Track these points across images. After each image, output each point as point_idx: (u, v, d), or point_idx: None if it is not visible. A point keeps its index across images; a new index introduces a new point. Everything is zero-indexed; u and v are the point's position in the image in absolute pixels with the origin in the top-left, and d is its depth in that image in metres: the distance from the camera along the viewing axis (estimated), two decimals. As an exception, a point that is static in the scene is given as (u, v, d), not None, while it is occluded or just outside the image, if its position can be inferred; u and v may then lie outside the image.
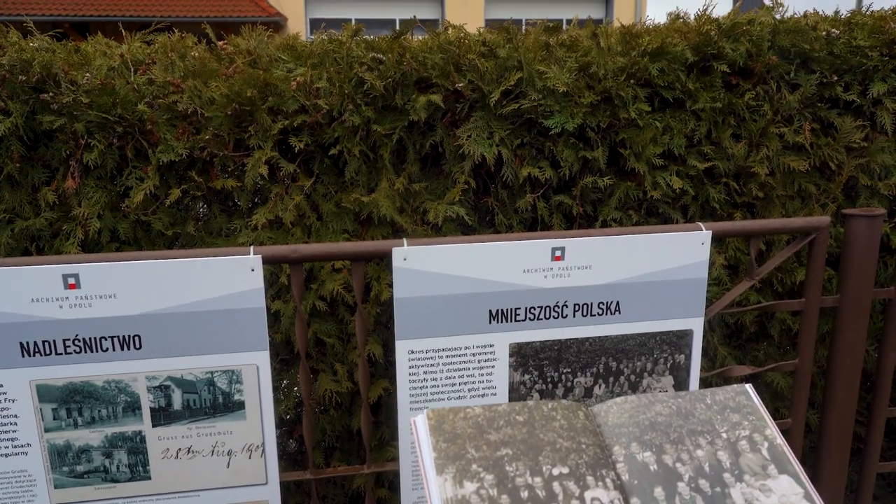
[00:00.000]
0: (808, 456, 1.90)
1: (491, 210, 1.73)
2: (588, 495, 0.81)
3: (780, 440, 0.90)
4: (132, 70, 1.55)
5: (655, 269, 1.48)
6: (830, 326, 1.69)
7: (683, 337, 1.54)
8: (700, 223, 1.48)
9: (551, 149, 1.67)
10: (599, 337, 1.50)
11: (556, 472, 0.83)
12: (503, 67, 1.62)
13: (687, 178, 1.73)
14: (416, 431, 0.87)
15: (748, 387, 0.96)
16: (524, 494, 0.80)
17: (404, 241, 1.35)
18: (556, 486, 0.81)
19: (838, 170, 1.81)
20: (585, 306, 1.48)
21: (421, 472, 0.82)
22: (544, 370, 1.49)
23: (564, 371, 1.50)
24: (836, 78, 1.76)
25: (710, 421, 0.91)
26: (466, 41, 1.64)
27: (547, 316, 1.46)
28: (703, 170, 1.73)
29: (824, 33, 1.77)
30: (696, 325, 1.53)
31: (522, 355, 1.48)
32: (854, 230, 1.57)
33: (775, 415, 1.98)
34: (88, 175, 1.51)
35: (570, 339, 1.48)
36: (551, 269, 1.44)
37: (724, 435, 0.90)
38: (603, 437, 0.89)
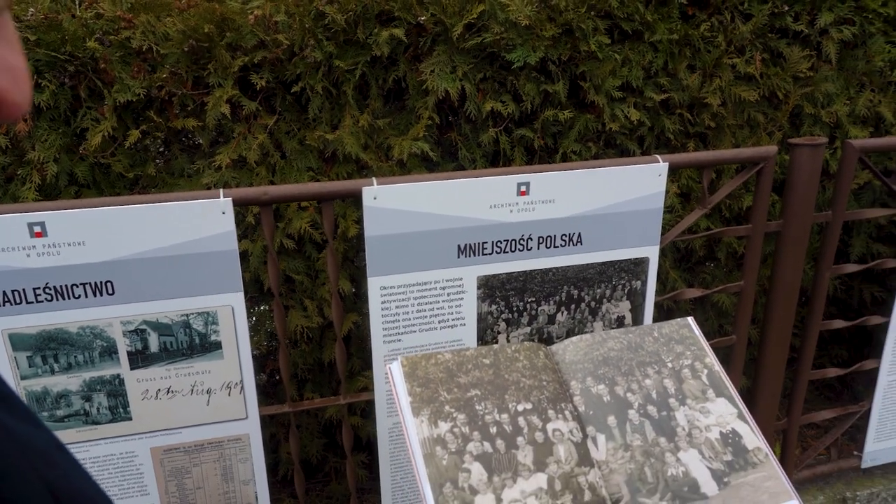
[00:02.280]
0: (748, 367, 2.06)
1: (454, 145, 1.75)
2: (550, 427, 0.90)
3: (717, 367, 1.01)
4: (77, 2, 1.48)
5: (615, 201, 1.54)
6: (773, 248, 1.80)
7: (640, 264, 1.63)
8: (657, 156, 1.53)
9: (513, 83, 1.68)
10: (562, 267, 1.57)
11: (520, 408, 0.91)
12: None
13: (644, 109, 1.78)
14: (391, 378, 0.93)
15: (690, 320, 1.06)
16: (493, 430, 0.88)
17: (373, 180, 1.37)
18: (521, 420, 0.90)
19: (785, 99, 1.89)
20: (549, 238, 1.54)
21: (399, 415, 0.88)
22: (510, 300, 1.56)
23: (529, 300, 1.57)
24: (786, 8, 1.81)
25: (657, 352, 1.01)
26: (427, -29, 1.61)
27: (513, 249, 1.52)
28: (660, 101, 1.78)
29: (777, -37, 1.80)
30: (652, 253, 1.62)
31: (489, 287, 1.54)
32: (798, 159, 1.66)
33: (720, 332, 2.12)
34: (41, 117, 1.45)
35: (535, 269, 1.55)
36: (517, 203, 1.48)
37: (669, 364, 1.00)
38: (561, 374, 0.98)
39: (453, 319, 1.54)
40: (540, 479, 0.84)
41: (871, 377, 2.04)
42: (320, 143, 1.62)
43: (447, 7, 1.58)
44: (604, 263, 1.59)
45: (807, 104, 1.90)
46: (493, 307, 1.56)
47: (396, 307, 1.48)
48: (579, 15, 1.64)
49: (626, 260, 1.61)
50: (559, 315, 1.60)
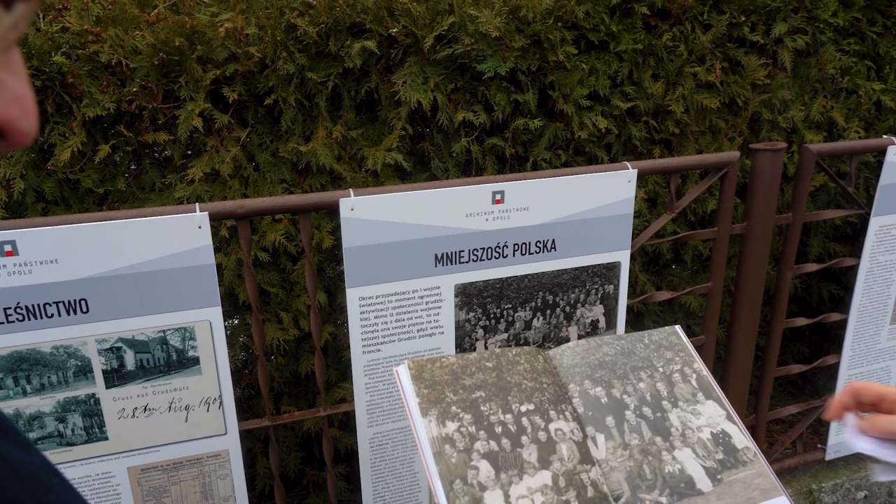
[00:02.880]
0: (716, 366, 2.12)
1: (427, 155, 1.76)
2: (552, 427, 0.93)
3: (705, 372, 1.06)
4: (41, 16, 1.45)
5: (587, 208, 1.58)
6: (737, 250, 1.86)
7: (612, 268, 1.66)
8: (627, 163, 1.57)
9: (484, 93, 1.71)
10: (537, 273, 1.59)
11: (523, 408, 0.94)
12: (435, 11, 1.63)
13: (611, 117, 1.82)
14: (399, 380, 0.95)
15: (677, 328, 1.11)
16: (499, 430, 0.91)
17: (350, 191, 1.37)
18: (524, 420, 0.93)
19: (744, 105, 1.95)
20: (524, 245, 1.56)
21: (407, 416, 0.91)
22: (487, 307, 1.58)
23: (506, 307, 1.60)
24: (743, 18, 1.88)
25: (649, 358, 1.05)
26: (397, -16, 1.63)
27: (489, 257, 1.54)
28: (626, 109, 1.82)
29: (733, -25, 1.86)
30: (624, 257, 1.66)
31: (467, 295, 1.55)
32: (760, 163, 1.72)
33: (689, 332, 2.17)
34: (5, 133, 1.42)
35: (511, 276, 1.57)
36: (492, 212, 1.51)
37: (661, 369, 1.04)
38: (559, 377, 1.01)
39: (432, 328, 1.55)
40: (545, 477, 0.88)
41: (832, 372, 2.12)
42: (294, 154, 1.62)
43: (418, 19, 1.60)
44: (577, 269, 1.63)
45: (764, 110, 1.97)
46: (471, 314, 1.57)
47: (375, 317, 1.49)
48: (547, 26, 1.68)
49: (598, 265, 1.64)
50: (535, 321, 1.63)
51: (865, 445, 0.77)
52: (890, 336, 2.10)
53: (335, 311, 1.82)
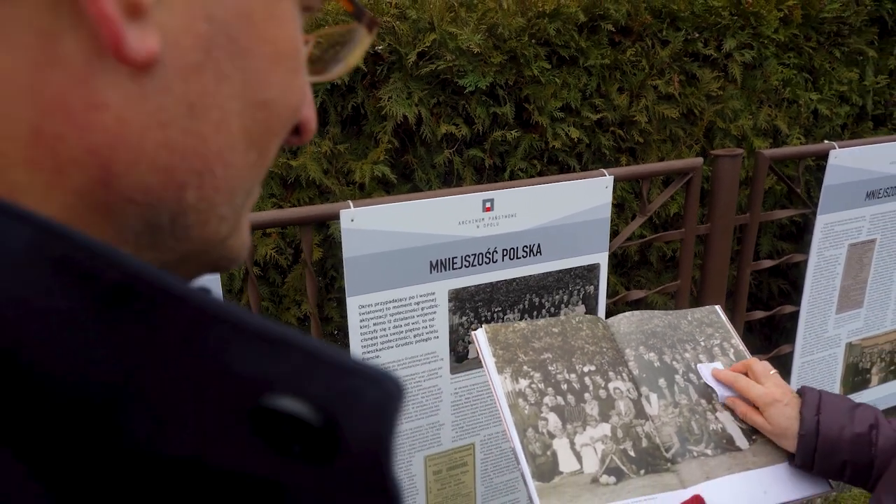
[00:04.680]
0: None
1: (410, 167, 1.82)
2: (611, 386, 1.05)
3: (742, 347, 1.17)
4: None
5: (569, 213, 1.67)
6: (701, 250, 1.99)
7: (593, 270, 1.76)
8: (603, 170, 1.68)
9: (465, 106, 1.79)
10: (524, 276, 1.67)
11: (586, 369, 1.06)
12: (416, 29, 1.70)
13: (582, 128, 1.93)
14: (477, 342, 1.11)
15: (718, 307, 1.21)
16: (564, 387, 1.03)
17: (350, 203, 1.42)
18: (587, 380, 1.05)
19: (700, 115, 2.10)
20: (512, 250, 1.64)
21: (485, 373, 1.04)
22: (479, 311, 1.65)
23: (496, 310, 1.67)
24: (697, 35, 2.03)
25: (692, 333, 1.16)
26: (380, 4, 1.69)
27: (480, 262, 1.61)
28: (595, 120, 1.94)
29: (686, -5, 2.01)
30: (602, 259, 1.76)
31: (460, 299, 1.62)
32: (721, 168, 1.86)
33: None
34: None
35: (500, 280, 1.64)
36: (482, 219, 1.58)
37: (703, 343, 1.15)
38: (616, 343, 1.13)
39: (427, 333, 1.60)
40: (605, 428, 1.00)
41: (784, 361, 2.28)
42: (283, 169, 1.65)
43: (402, 37, 1.66)
44: (561, 271, 1.71)
45: (718, 119, 2.13)
46: (464, 318, 1.63)
47: (374, 324, 1.53)
48: (522, 43, 1.77)
49: (580, 267, 1.74)
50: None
51: (714, 384, 1.06)
52: (836, 325, 2.27)
53: (324, 322, 1.85)
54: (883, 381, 2.44)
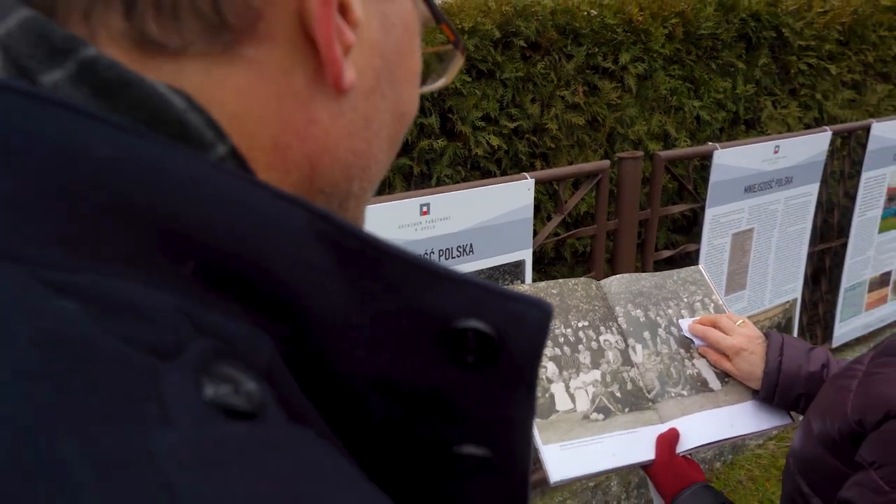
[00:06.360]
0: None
1: (344, 176, 1.90)
2: (601, 338, 1.21)
3: (721, 302, 1.34)
4: None
5: (497, 214, 1.81)
6: (610, 245, 2.19)
7: (519, 266, 1.91)
8: (525, 174, 1.83)
9: (394, 117, 1.89)
10: (459, 275, 1.79)
11: (580, 325, 1.21)
12: (346, 45, 1.78)
13: (501, 136, 2.08)
14: None
15: (701, 267, 1.40)
16: (561, 340, 1.18)
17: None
18: (580, 333, 1.20)
19: (603, 122, 2.31)
20: (447, 251, 1.75)
21: None
22: (419, 309, 1.75)
23: (435, 307, 1.78)
24: (597, 49, 2.24)
25: (677, 291, 1.33)
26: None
27: (419, 263, 1.71)
28: (512, 128, 2.10)
29: (586, 13, 2.22)
30: (527, 256, 1.91)
31: (401, 299, 1.71)
32: (624, 169, 2.07)
33: (571, 320, 2.49)
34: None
35: (438, 280, 1.75)
36: (420, 222, 1.69)
37: (685, 300, 1.31)
38: (608, 301, 1.28)
39: (372, 332, 1.68)
40: (595, 374, 1.15)
41: (685, 341, 2.53)
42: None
43: (334, 52, 1.75)
44: (491, 268, 1.85)
45: (618, 126, 2.35)
46: (405, 317, 1.73)
47: (323, 327, 1.60)
48: (445, 57, 1.90)
49: (508, 263, 1.88)
50: (459, 318, 1.83)
51: (691, 336, 1.22)
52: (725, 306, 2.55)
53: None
54: (765, 353, 2.74)
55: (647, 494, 2.49)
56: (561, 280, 1.28)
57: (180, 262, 0.27)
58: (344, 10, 0.32)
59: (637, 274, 1.34)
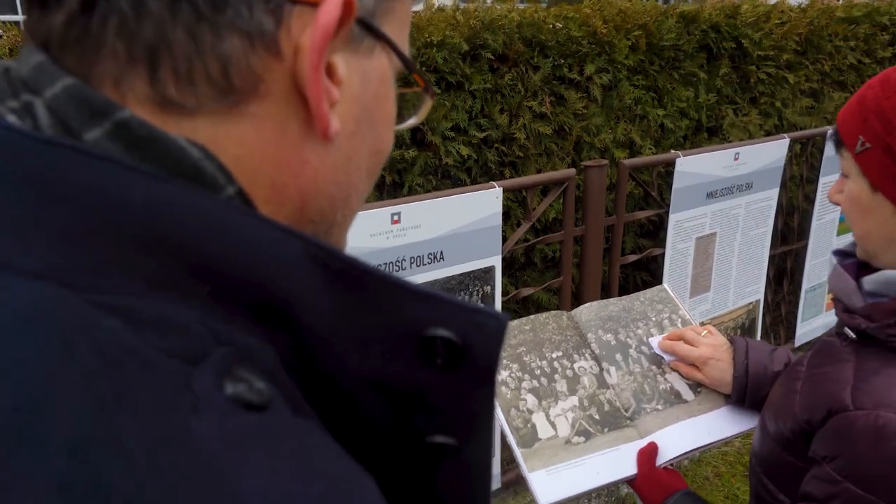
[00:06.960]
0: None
1: (317, 185, 1.95)
2: (576, 365, 1.26)
3: (687, 316, 1.40)
4: None
5: (466, 222, 1.87)
6: (577, 250, 2.26)
7: (488, 272, 1.97)
8: (494, 182, 1.89)
9: (366, 128, 1.94)
10: (430, 281, 1.84)
11: (553, 355, 1.26)
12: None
13: (470, 145, 2.14)
14: None
15: (666, 286, 1.46)
16: (538, 372, 1.23)
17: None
18: (556, 363, 1.26)
19: (570, 131, 2.38)
20: (419, 258, 1.81)
21: None
22: (391, 315, 1.80)
23: (407, 313, 1.82)
24: (563, 61, 2.31)
25: (644, 311, 1.39)
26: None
27: (390, 270, 1.76)
28: (481, 138, 2.16)
29: (551, 26, 2.29)
30: (496, 262, 1.97)
31: (374, 306, 1.76)
32: (590, 177, 2.14)
33: (541, 323, 2.55)
34: None
35: (409, 286, 1.80)
36: (391, 231, 1.74)
37: (654, 318, 1.38)
38: (580, 329, 1.34)
39: (346, 338, 1.73)
40: (573, 400, 1.21)
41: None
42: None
43: (306, 66, 1.79)
44: (462, 274, 1.90)
45: (584, 134, 2.42)
46: (378, 323, 1.78)
47: (297, 334, 1.64)
48: (414, 70, 1.95)
49: (478, 269, 1.94)
50: (430, 323, 1.88)
51: (661, 352, 1.28)
52: (690, 308, 2.64)
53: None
54: (730, 353, 2.83)
55: (618, 491, 2.56)
56: (532, 316, 1.34)
57: (201, 285, 0.33)
58: (330, 72, 0.38)
59: (605, 301, 1.40)
